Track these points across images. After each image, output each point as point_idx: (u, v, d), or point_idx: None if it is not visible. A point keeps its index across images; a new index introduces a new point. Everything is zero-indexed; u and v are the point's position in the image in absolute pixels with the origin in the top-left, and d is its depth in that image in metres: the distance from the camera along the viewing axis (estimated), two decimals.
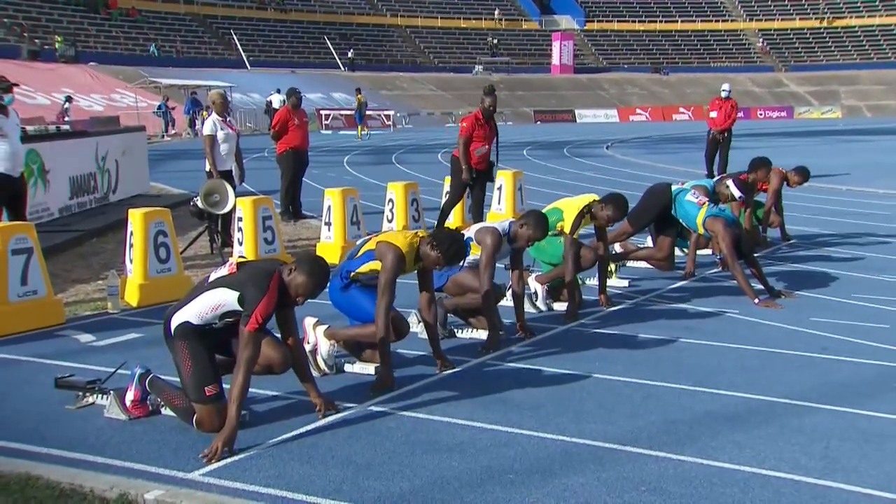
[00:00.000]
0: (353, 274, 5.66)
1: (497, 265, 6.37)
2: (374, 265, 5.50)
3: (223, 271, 4.69)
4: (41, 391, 5.27)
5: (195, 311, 4.61)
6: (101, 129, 14.54)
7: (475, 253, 6.46)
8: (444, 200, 11.62)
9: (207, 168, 10.55)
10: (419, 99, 53.90)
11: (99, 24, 49.82)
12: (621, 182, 17.29)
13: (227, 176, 10.49)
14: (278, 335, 4.82)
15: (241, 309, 4.45)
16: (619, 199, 7.27)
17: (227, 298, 4.52)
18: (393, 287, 5.35)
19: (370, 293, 5.59)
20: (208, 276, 4.77)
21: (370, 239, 5.71)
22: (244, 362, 4.36)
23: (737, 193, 9.05)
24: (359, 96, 37.71)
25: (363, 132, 36.65)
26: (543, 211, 6.94)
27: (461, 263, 6.44)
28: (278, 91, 36.47)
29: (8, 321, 6.58)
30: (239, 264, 4.69)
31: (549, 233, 7.26)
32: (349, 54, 57.79)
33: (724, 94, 17.24)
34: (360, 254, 5.68)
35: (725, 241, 7.76)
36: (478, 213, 10.78)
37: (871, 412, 4.96)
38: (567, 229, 7.13)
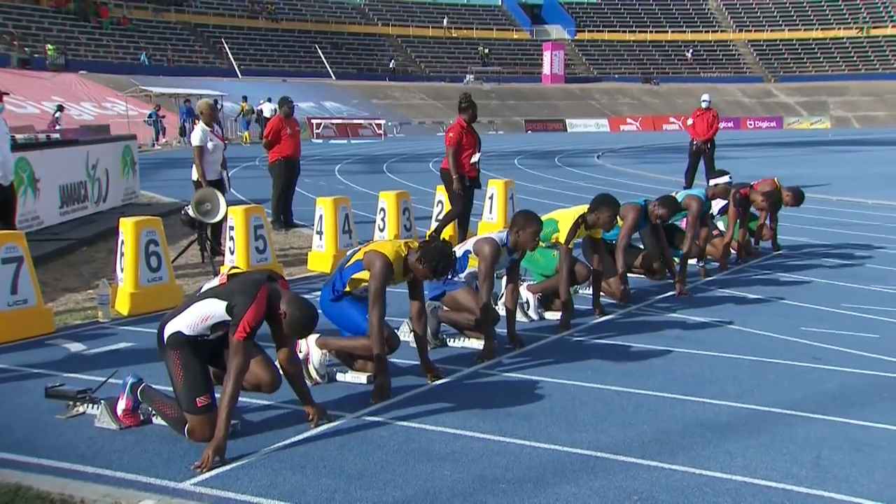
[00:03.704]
0: (345, 290, 5.67)
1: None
2: (363, 275, 5.51)
3: (214, 282, 4.70)
4: (31, 400, 5.25)
5: (187, 322, 4.60)
6: (92, 138, 14.51)
7: (473, 265, 6.46)
8: (436, 211, 11.61)
9: (195, 177, 10.52)
10: (410, 108, 53.96)
11: (89, 33, 49.77)
12: (612, 191, 17.27)
13: (216, 185, 10.47)
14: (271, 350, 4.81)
15: (230, 319, 4.45)
16: (606, 198, 7.26)
17: (215, 309, 4.51)
18: (383, 296, 5.36)
19: (361, 305, 5.61)
20: (201, 287, 4.78)
21: (359, 249, 5.73)
22: (234, 371, 4.35)
23: (726, 179, 9.26)
24: (243, 104, 38.84)
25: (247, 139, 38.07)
26: None
27: (458, 278, 6.47)
28: (269, 100, 36.56)
29: None
30: (230, 275, 4.70)
31: (543, 244, 7.26)
32: (390, 64, 58.32)
33: (704, 105, 17.29)
34: (349, 264, 5.70)
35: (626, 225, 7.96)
36: (464, 223, 10.75)
37: (862, 422, 4.97)
38: (562, 240, 7.13)
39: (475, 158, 10.50)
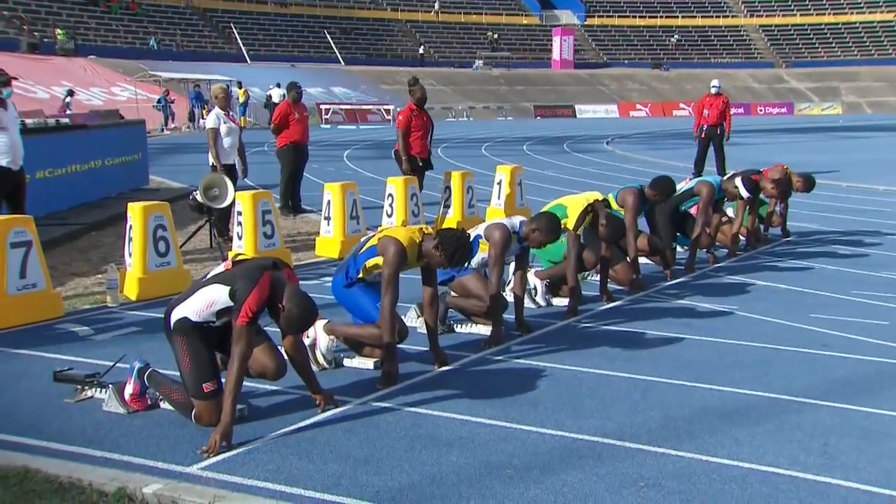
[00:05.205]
0: (359, 276, 5.67)
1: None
2: (377, 260, 5.50)
3: (220, 268, 4.71)
4: (40, 384, 5.28)
5: (192, 308, 4.61)
6: (101, 123, 14.52)
7: (483, 251, 6.44)
8: (445, 196, 11.67)
9: (211, 162, 10.57)
10: None
11: (99, 18, 49.75)
12: (621, 178, 17.28)
13: (230, 169, 10.50)
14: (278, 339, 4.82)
15: (233, 305, 4.45)
16: (619, 222, 7.30)
17: (219, 295, 4.52)
18: (396, 282, 5.34)
19: (373, 293, 5.60)
20: (208, 273, 4.79)
21: (373, 235, 5.72)
22: (237, 357, 4.35)
23: (744, 193, 9.14)
24: (241, 90, 39.15)
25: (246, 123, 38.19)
26: (547, 208, 6.91)
27: (466, 266, 6.45)
28: (278, 85, 36.54)
29: (6, 314, 6.58)
30: (235, 261, 4.70)
31: None
32: (420, 50, 58.25)
33: (714, 91, 17.08)
34: (363, 250, 5.69)
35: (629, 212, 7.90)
36: None
37: (871, 409, 4.96)
38: (570, 226, 7.10)
39: (424, 142, 11.13)
